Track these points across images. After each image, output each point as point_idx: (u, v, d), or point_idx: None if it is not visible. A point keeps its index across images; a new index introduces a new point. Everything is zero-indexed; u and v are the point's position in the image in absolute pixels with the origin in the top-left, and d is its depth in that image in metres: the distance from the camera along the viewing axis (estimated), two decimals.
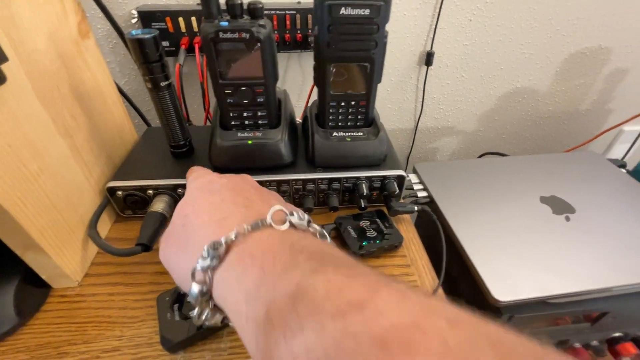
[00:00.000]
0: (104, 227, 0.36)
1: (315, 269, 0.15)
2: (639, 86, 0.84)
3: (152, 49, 0.30)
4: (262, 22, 0.30)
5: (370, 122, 0.38)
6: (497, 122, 0.84)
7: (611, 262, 0.39)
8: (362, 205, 0.37)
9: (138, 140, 0.43)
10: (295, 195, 0.37)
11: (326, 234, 0.20)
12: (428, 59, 0.68)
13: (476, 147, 0.89)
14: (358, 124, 0.38)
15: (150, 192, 0.35)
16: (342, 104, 0.36)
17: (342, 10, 0.29)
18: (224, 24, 0.29)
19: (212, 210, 0.20)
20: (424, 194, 0.51)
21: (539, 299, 0.36)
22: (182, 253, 0.19)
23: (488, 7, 0.65)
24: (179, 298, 0.28)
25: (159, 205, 0.34)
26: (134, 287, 0.31)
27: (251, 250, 0.17)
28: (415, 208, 0.37)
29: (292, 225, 0.18)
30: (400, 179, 0.37)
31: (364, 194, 0.36)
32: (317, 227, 0.20)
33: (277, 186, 0.36)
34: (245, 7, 0.30)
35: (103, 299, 0.30)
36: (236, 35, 0.29)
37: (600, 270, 0.39)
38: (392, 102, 0.75)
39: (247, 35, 0.29)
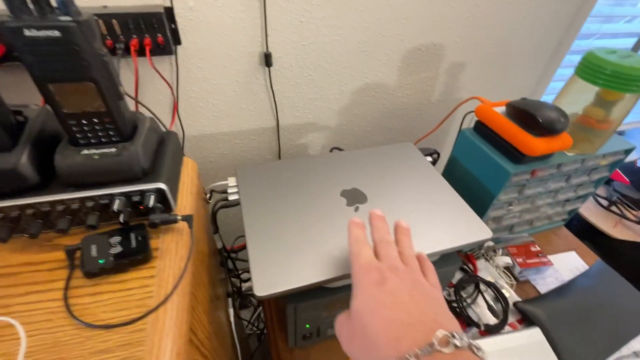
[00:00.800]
0: None
1: None
2: (478, 77, 0.94)
3: None
4: None
5: (128, 136, 0.38)
6: (357, 116, 0.90)
7: None
8: (124, 220, 0.37)
9: None
10: (49, 218, 0.37)
11: (482, 348, 0.25)
12: (267, 59, 0.70)
13: (344, 140, 0.93)
14: (113, 139, 0.38)
15: None
16: (84, 121, 0.36)
17: (27, 32, 0.29)
18: None
19: (386, 329, 0.27)
20: (236, 197, 0.53)
21: (294, 290, 0.40)
22: (366, 355, 0.27)
23: (315, 9, 0.68)
24: None
25: None
26: None
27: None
28: (178, 217, 0.38)
29: (456, 346, 0.24)
30: (160, 192, 0.38)
31: (119, 210, 0.37)
32: (476, 344, 0.25)
33: (21, 211, 0.35)
34: None
35: None
36: None
37: None
38: (245, 102, 0.76)
39: None
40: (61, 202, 0.36)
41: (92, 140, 0.37)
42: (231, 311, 0.61)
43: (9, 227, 0.35)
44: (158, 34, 0.58)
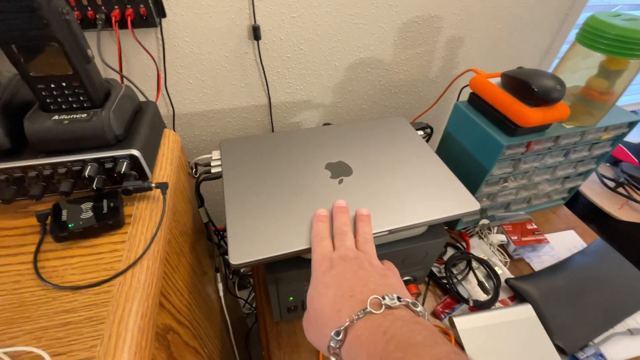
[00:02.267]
0: None
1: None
2: (477, 50, 0.90)
3: None
4: None
5: (101, 102, 0.38)
6: (352, 93, 0.87)
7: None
8: (97, 187, 0.37)
9: None
10: (20, 184, 0.36)
11: (418, 303, 0.28)
12: (255, 32, 0.68)
13: (338, 118, 0.92)
14: (84, 104, 0.37)
15: None
16: (52, 85, 0.35)
17: None
18: None
19: (330, 305, 0.29)
20: (219, 169, 0.52)
21: (268, 259, 0.39)
22: (319, 335, 0.29)
23: None
24: None
25: None
26: None
27: (359, 336, 0.25)
28: (153, 185, 0.38)
29: (387, 306, 0.26)
30: (133, 159, 0.38)
31: (91, 175, 0.36)
32: (409, 300, 0.27)
33: None
34: None
35: None
36: None
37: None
38: (235, 78, 0.75)
39: None
40: (32, 167, 0.35)
41: (63, 106, 0.37)
42: (220, 286, 0.61)
43: None
44: (140, 5, 0.56)
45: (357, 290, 0.29)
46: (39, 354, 0.26)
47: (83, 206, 0.35)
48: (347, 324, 0.26)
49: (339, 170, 0.51)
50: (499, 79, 0.58)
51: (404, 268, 0.54)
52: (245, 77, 0.75)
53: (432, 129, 0.64)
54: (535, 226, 0.69)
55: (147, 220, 0.37)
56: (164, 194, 0.38)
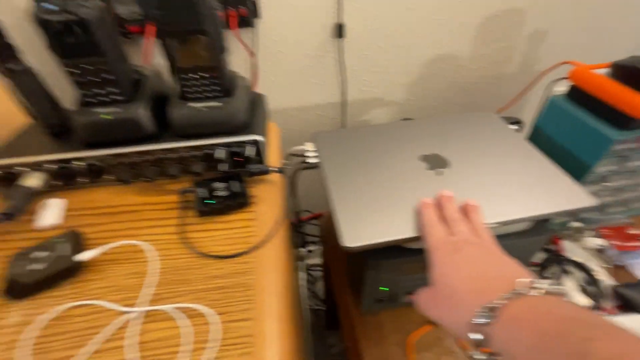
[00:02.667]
0: None
1: (587, 337, 0.21)
2: (561, 46, 0.85)
3: None
4: (86, 2, 0.32)
5: (229, 92, 0.41)
6: (425, 90, 0.87)
7: None
8: (225, 169, 0.40)
9: (30, 124, 0.46)
10: (161, 164, 0.41)
11: (562, 291, 0.27)
12: (340, 30, 0.70)
13: (409, 115, 0.91)
14: (216, 94, 0.41)
15: (21, 168, 0.39)
16: (194, 76, 0.39)
17: None
18: (49, 6, 0.31)
19: (467, 284, 0.28)
20: (316, 160, 0.54)
21: (382, 243, 0.40)
22: (451, 312, 0.29)
23: None
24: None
25: (26, 179, 0.38)
26: (2, 251, 0.35)
27: (517, 315, 0.24)
28: (269, 169, 0.40)
29: (538, 289, 0.25)
30: (257, 144, 0.41)
31: (221, 158, 0.39)
32: (560, 289, 0.27)
33: (140, 156, 0.40)
34: None
35: None
36: (63, 18, 0.32)
37: None
38: (314, 77, 0.78)
39: (73, 17, 0.32)
40: (173, 150, 0.40)
41: (199, 95, 0.40)
42: (301, 275, 0.63)
43: (131, 172, 0.40)
44: (241, 6, 0.61)
45: (496, 273, 0.29)
46: (204, 312, 0.29)
47: (216, 185, 0.39)
48: (498, 303, 0.26)
49: (435, 162, 0.51)
50: (604, 71, 0.55)
51: None
52: (323, 75, 0.78)
53: (522, 124, 0.61)
54: (638, 231, 0.63)
55: (269, 201, 0.39)
56: (285, 176, 0.40)
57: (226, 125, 0.40)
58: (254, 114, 0.44)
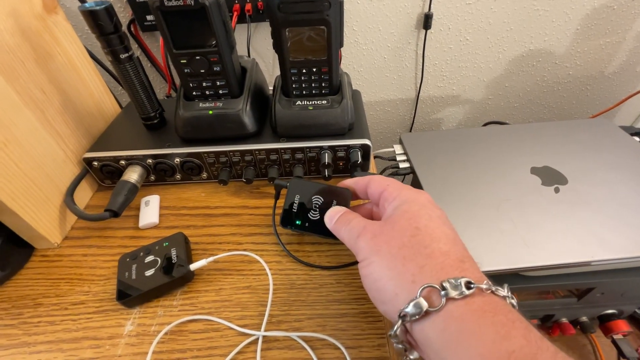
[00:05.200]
0: (86, 195, 0.39)
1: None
2: None
3: (105, 21, 0.31)
4: None
5: (336, 89, 0.37)
6: (507, 89, 0.79)
7: (594, 236, 0.37)
8: (327, 175, 0.37)
9: (120, 113, 0.44)
10: (261, 166, 0.38)
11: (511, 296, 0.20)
12: (426, 21, 0.64)
13: (485, 117, 0.84)
14: (323, 91, 0.37)
15: (123, 162, 0.37)
16: (303, 70, 0.35)
17: None
18: None
19: (448, 242, 0.21)
20: (407, 165, 0.49)
21: (504, 271, 0.35)
22: (405, 260, 0.20)
23: None
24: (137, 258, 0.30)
25: (130, 175, 0.36)
26: (105, 249, 0.34)
27: (505, 313, 0.18)
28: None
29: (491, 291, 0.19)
30: (365, 148, 0.37)
31: (327, 163, 0.36)
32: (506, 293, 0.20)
33: (241, 156, 0.37)
34: None
35: (77, 259, 0.33)
36: (181, 3, 0.29)
37: (580, 243, 0.36)
38: (390, 70, 0.72)
39: (192, 2, 0.29)
40: (276, 151, 0.36)
41: (304, 92, 0.37)
42: None
43: (229, 172, 0.38)
44: None
45: (462, 248, 0.22)
46: (333, 344, 0.25)
47: (314, 199, 0.35)
48: (474, 285, 0.19)
49: (550, 177, 0.44)
50: None
51: (614, 301, 0.46)
52: (400, 68, 0.72)
53: None
54: None
55: None
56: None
57: (333, 126, 0.36)
58: (357, 113, 0.40)
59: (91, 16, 0.30)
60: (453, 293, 0.18)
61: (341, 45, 0.34)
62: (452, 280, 0.18)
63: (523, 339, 0.16)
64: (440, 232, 0.21)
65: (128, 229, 0.35)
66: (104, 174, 0.38)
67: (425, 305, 0.18)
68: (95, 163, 0.37)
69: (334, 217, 0.26)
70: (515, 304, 0.19)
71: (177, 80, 0.61)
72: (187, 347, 0.26)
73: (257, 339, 0.26)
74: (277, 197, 0.34)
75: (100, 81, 0.42)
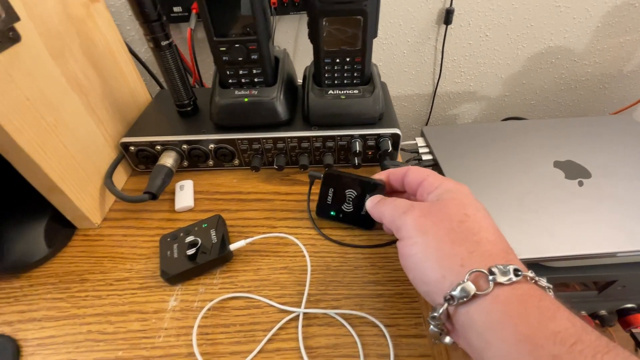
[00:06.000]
0: (121, 179, 0.40)
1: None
2: None
3: (150, 8, 0.32)
4: None
5: (367, 80, 0.38)
6: (525, 86, 0.79)
7: (620, 229, 0.37)
8: (357, 164, 0.38)
9: (151, 101, 0.46)
10: (292, 153, 0.39)
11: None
12: (448, 16, 0.64)
13: (501, 113, 0.84)
14: (354, 81, 0.38)
15: (159, 147, 0.38)
16: (337, 60, 0.36)
17: None
18: None
19: (495, 232, 0.21)
20: (429, 157, 0.50)
21: (531, 260, 0.36)
22: (454, 244, 0.21)
23: None
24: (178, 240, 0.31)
25: (166, 159, 0.37)
26: (143, 230, 0.35)
27: (548, 299, 0.18)
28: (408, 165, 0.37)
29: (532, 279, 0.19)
30: (395, 138, 0.37)
31: (358, 152, 0.37)
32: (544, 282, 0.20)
33: (274, 143, 0.38)
34: None
35: (118, 239, 0.34)
36: None
37: (605, 235, 0.37)
38: (408, 65, 0.73)
39: None
40: (308, 138, 0.37)
41: (336, 82, 0.38)
42: None
43: (261, 159, 0.39)
44: None
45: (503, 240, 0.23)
46: (371, 321, 0.26)
47: (347, 193, 0.36)
48: (521, 273, 0.20)
49: (573, 171, 0.45)
50: None
51: (634, 294, 0.46)
52: (419, 64, 0.72)
53: None
54: None
55: None
56: None
57: (364, 116, 0.37)
58: (386, 104, 0.40)
59: (137, 3, 0.31)
60: (501, 279, 0.18)
61: (375, 35, 0.35)
62: (501, 267, 0.18)
63: (568, 321, 0.17)
64: (487, 222, 0.22)
65: (164, 212, 0.37)
66: (139, 158, 0.39)
67: (473, 289, 0.18)
68: (132, 148, 0.38)
69: (375, 199, 0.27)
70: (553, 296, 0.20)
71: (202, 72, 0.62)
72: (230, 322, 0.27)
73: (298, 315, 0.27)
74: (311, 186, 0.35)
75: (134, 69, 0.43)
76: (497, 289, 0.18)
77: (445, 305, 0.19)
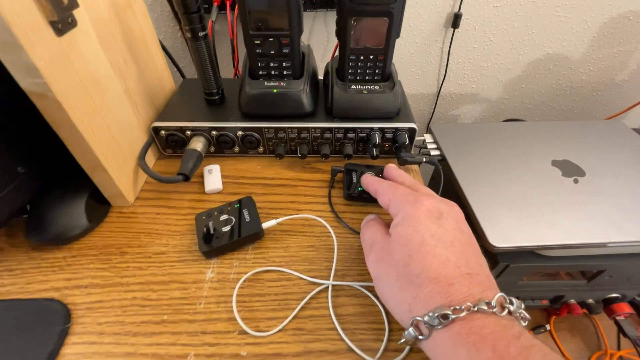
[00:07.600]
0: (150, 162, 0.42)
1: None
2: None
3: (192, 0, 0.34)
4: None
5: (387, 77, 0.41)
6: (523, 90, 0.83)
7: (610, 222, 0.41)
8: (374, 155, 0.40)
9: (176, 90, 0.48)
10: (314, 143, 0.41)
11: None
12: (455, 20, 0.67)
13: (499, 115, 0.88)
14: (375, 77, 0.40)
15: (189, 132, 0.40)
16: (361, 57, 0.39)
17: None
18: None
19: (439, 267, 0.22)
20: (437, 152, 0.53)
21: (531, 247, 0.39)
22: (402, 290, 0.23)
23: None
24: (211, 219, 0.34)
25: (196, 144, 0.40)
26: (175, 209, 0.37)
27: (478, 330, 0.19)
28: (423, 159, 0.40)
29: (508, 311, 0.21)
30: (412, 132, 0.40)
31: (376, 143, 0.40)
32: (527, 315, 0.22)
33: (298, 133, 0.40)
34: None
35: (152, 217, 0.36)
36: None
37: (597, 227, 0.41)
38: (415, 65, 0.76)
39: None
40: (331, 129, 0.40)
41: (359, 77, 0.40)
42: None
43: (284, 147, 0.41)
44: None
45: (474, 267, 0.24)
46: None
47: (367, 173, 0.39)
48: (464, 312, 0.21)
49: (569, 169, 0.49)
50: None
51: (620, 284, 0.50)
52: (425, 65, 0.76)
53: None
54: None
55: None
56: (438, 167, 0.40)
57: (384, 110, 0.40)
58: (403, 100, 0.43)
59: None
60: (434, 323, 0.20)
61: (398, 36, 0.38)
62: (430, 314, 0.20)
63: (490, 350, 0.18)
64: (431, 256, 0.22)
65: (194, 194, 0.39)
66: (168, 142, 0.41)
67: (414, 335, 0.21)
68: (163, 132, 0.40)
69: (365, 221, 0.30)
70: (510, 305, 0.21)
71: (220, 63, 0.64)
72: (265, 292, 0.30)
73: (327, 287, 0.30)
74: (333, 177, 0.39)
75: (163, 58, 0.45)
76: (434, 332, 0.21)
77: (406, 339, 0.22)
